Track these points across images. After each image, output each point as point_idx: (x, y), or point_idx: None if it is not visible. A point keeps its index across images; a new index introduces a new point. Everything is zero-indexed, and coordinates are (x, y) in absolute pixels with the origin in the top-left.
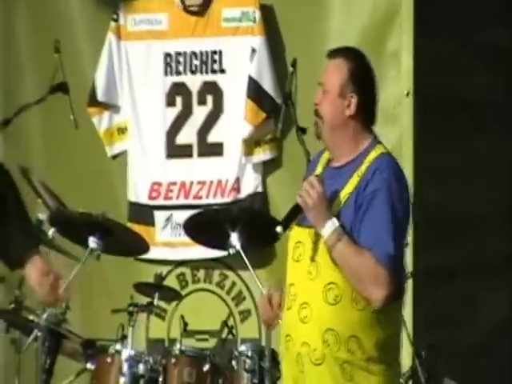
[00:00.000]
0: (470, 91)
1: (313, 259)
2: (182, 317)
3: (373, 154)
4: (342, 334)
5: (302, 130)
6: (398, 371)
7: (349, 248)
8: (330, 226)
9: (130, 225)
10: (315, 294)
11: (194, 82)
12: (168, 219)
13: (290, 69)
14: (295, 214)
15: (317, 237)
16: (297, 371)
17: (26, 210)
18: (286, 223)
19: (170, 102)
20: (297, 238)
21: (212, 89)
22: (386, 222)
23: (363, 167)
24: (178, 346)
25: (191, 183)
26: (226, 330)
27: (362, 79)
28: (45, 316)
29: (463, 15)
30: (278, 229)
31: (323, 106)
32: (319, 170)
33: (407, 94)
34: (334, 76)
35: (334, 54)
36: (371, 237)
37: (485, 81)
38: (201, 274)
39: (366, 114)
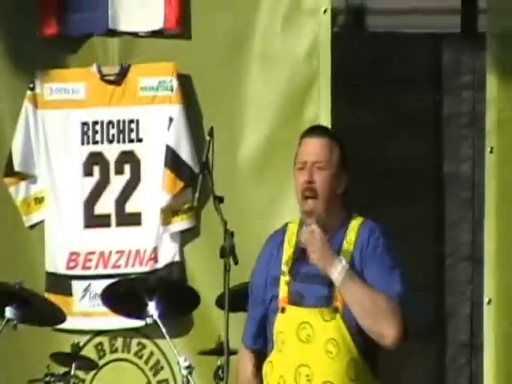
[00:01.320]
0: (392, 159)
1: (330, 338)
2: None
3: (354, 223)
4: None
5: (220, 199)
6: None
7: (362, 286)
8: (340, 265)
9: (47, 295)
10: (338, 373)
11: (111, 152)
12: (86, 289)
13: (207, 137)
14: (299, 258)
15: (330, 315)
16: None
17: None
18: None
19: (88, 172)
20: (301, 318)
21: (129, 158)
22: (392, 269)
23: (351, 236)
24: None
25: (110, 253)
26: None
27: (347, 160)
28: None
29: (384, 82)
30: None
31: (320, 184)
32: (288, 248)
33: None
34: (329, 155)
35: (319, 132)
36: (381, 281)
37: (408, 148)
38: (119, 343)
39: (345, 191)
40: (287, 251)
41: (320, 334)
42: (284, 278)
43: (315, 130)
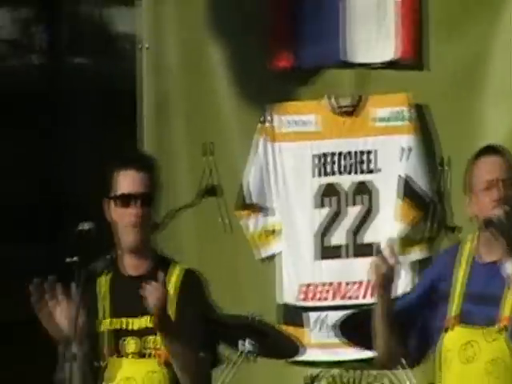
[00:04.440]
0: None
1: (492, 359)
2: None
3: None
4: None
5: (452, 229)
6: None
7: None
8: None
9: (281, 327)
10: None
11: (345, 182)
12: (320, 320)
13: (444, 167)
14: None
15: (494, 335)
16: None
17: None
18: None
19: (321, 203)
20: (465, 338)
21: (363, 189)
22: None
23: None
24: None
25: (345, 284)
26: None
27: None
28: None
29: None
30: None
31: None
32: (463, 265)
33: None
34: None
35: (498, 150)
36: None
37: None
38: (350, 374)
39: None
40: (462, 268)
41: (482, 354)
42: (455, 297)
43: (491, 149)
